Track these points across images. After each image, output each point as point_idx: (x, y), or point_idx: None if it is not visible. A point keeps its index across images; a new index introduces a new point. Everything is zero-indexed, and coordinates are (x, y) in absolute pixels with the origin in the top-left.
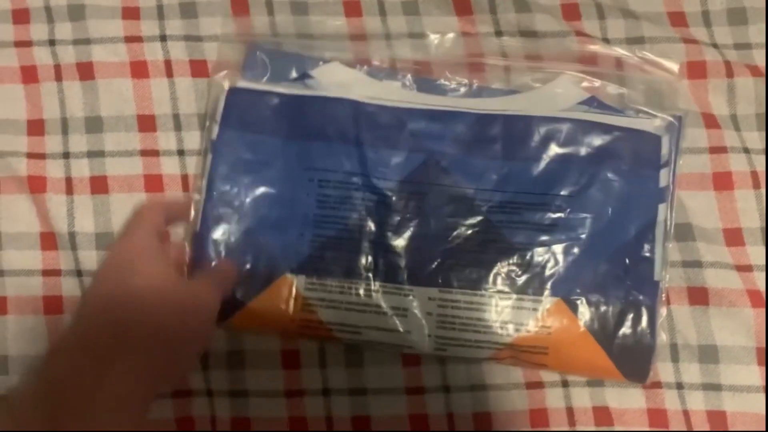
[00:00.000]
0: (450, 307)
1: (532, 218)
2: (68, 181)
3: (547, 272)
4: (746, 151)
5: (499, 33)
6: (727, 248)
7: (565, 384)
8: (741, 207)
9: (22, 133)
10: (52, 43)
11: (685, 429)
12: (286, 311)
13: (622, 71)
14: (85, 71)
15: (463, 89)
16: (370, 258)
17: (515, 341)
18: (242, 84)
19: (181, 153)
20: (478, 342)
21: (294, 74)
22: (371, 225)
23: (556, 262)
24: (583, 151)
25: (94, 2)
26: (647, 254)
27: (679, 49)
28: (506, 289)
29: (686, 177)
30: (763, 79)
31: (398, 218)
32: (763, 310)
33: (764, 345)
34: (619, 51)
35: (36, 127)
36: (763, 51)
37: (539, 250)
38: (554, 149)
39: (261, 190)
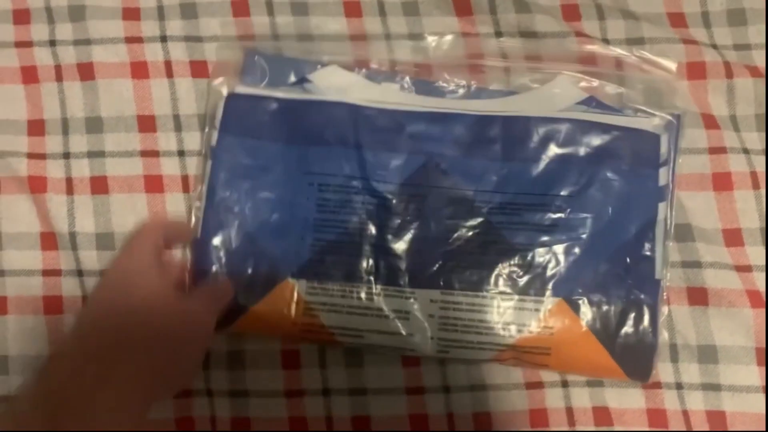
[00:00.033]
0: (452, 309)
1: (533, 219)
2: (68, 181)
3: (549, 273)
4: (746, 151)
5: (499, 33)
6: (727, 249)
7: (564, 384)
8: (740, 207)
9: (23, 133)
10: (52, 43)
11: (685, 429)
12: (288, 316)
13: (621, 71)
14: (86, 72)
15: (461, 91)
16: (371, 261)
17: (518, 342)
18: (240, 89)
19: (181, 154)
20: (481, 343)
21: (292, 78)
22: (371, 228)
23: (557, 263)
24: (582, 151)
25: (94, 3)
26: (648, 253)
27: (679, 50)
28: (508, 290)
29: (686, 177)
30: (763, 80)
31: (398, 221)
32: (762, 310)
33: (763, 345)
34: (618, 51)
35: (36, 128)
36: (762, 52)
37: (540, 250)
38: (553, 149)
39: (261, 195)
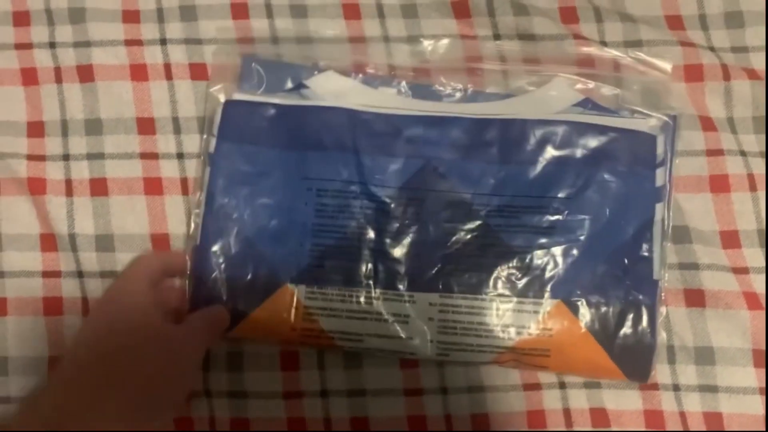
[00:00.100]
0: (451, 312)
1: (531, 221)
2: (68, 183)
3: (547, 274)
4: (743, 153)
5: (497, 36)
6: (724, 250)
7: (562, 386)
8: (737, 209)
9: (22, 134)
10: (52, 45)
11: (682, 430)
12: (287, 321)
13: (618, 73)
14: (85, 74)
15: (458, 94)
16: (369, 265)
17: (517, 344)
18: (238, 96)
19: (180, 156)
20: (480, 346)
21: (289, 84)
22: (370, 232)
23: (556, 264)
24: (578, 152)
25: (94, 5)
26: (645, 254)
27: (677, 52)
28: (507, 292)
29: (683, 179)
30: (759, 82)
31: (397, 225)
32: (760, 311)
33: (760, 347)
34: (613, 52)
35: (36, 129)
36: (759, 54)
37: (538, 252)
38: (550, 152)
39: (260, 201)
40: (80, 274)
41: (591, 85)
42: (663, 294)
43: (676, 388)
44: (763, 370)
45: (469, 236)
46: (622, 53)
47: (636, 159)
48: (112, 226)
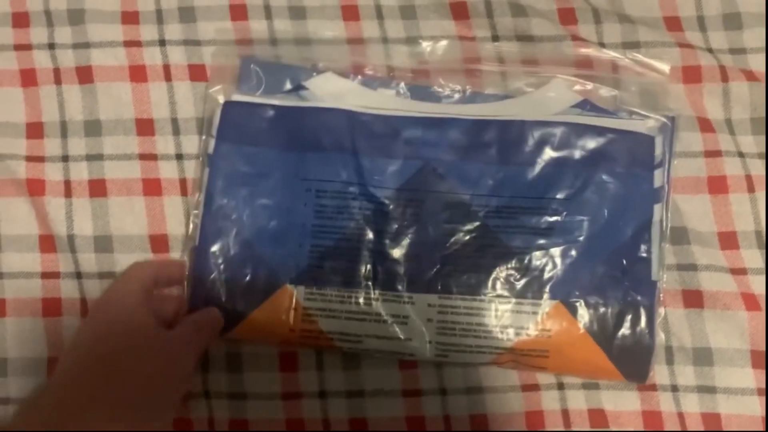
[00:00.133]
0: (450, 313)
1: (529, 222)
2: (67, 184)
3: (546, 275)
4: (741, 155)
5: (495, 37)
6: (722, 251)
7: (560, 386)
8: (736, 210)
9: (21, 136)
10: (51, 46)
11: (680, 431)
12: (286, 322)
13: (616, 74)
14: (85, 75)
15: (456, 95)
16: (368, 266)
17: (516, 345)
18: (237, 97)
19: (179, 157)
20: (479, 347)
21: (288, 86)
22: (369, 233)
23: (554, 265)
24: (577, 153)
25: (93, 6)
26: (644, 254)
27: (675, 54)
28: (505, 293)
29: (681, 180)
30: (758, 84)
31: (396, 226)
32: (758, 312)
33: (758, 348)
34: (611, 53)
35: (35, 130)
36: (758, 55)
37: (537, 253)
38: (549, 153)
39: (259, 202)
40: (79, 275)
41: (589, 86)
42: (661, 295)
43: (674, 388)
44: (762, 371)
45: (467, 237)
46: (621, 54)
47: (634, 160)
48: (111, 227)
